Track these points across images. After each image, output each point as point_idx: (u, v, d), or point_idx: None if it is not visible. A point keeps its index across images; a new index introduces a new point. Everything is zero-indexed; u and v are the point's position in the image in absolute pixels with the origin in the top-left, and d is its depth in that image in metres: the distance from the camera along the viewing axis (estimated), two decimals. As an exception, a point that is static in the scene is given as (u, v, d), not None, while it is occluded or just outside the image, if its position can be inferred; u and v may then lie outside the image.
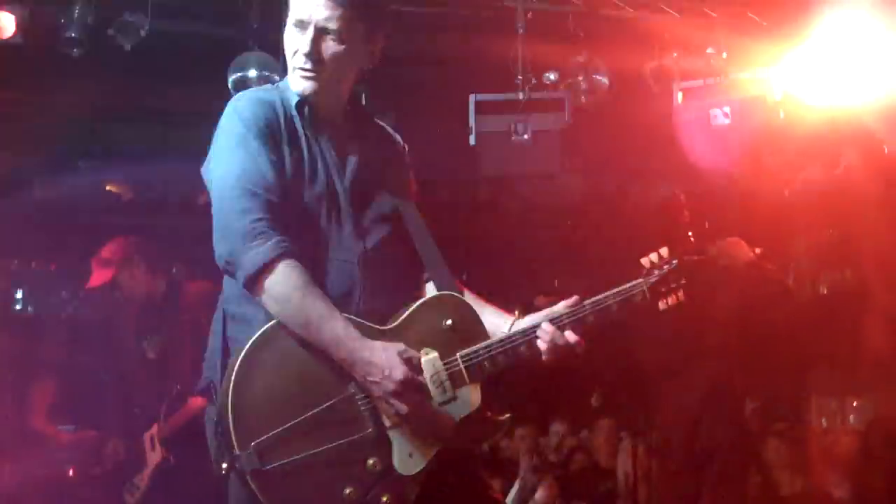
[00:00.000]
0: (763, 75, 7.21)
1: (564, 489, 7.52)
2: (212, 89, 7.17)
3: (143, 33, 6.64)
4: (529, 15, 6.92)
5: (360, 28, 2.78)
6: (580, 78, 7.25)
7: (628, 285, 2.84)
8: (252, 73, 6.99)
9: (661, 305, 2.80)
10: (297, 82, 2.78)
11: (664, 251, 2.84)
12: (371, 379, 2.53)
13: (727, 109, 7.29)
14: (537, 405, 9.26)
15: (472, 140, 7.40)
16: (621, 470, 7.39)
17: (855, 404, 10.13)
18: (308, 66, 2.75)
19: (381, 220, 2.85)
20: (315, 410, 2.53)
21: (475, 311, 2.78)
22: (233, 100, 2.84)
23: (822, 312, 10.13)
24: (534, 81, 7.15)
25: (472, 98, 7.32)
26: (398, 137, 3.07)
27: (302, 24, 2.74)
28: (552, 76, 7.27)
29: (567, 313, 2.78)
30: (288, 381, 2.56)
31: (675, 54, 7.24)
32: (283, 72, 6.82)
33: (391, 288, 2.78)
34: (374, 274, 2.76)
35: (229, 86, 7.06)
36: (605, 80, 7.32)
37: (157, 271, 5.47)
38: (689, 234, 5.04)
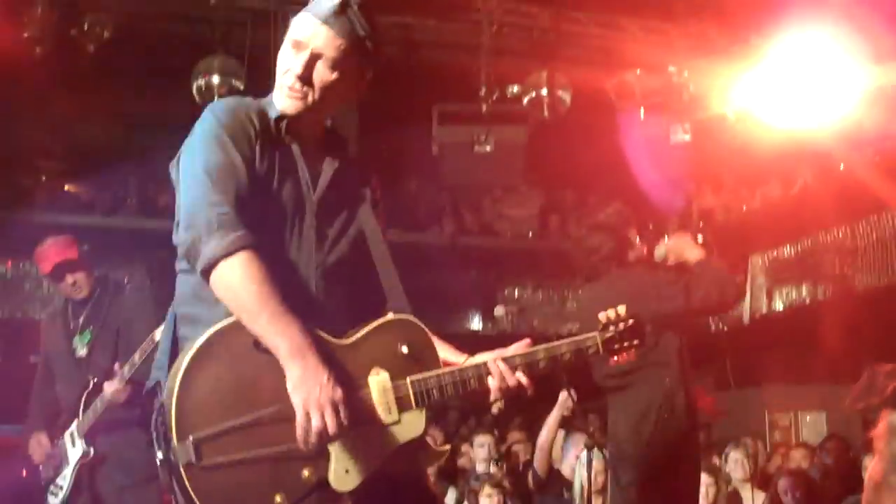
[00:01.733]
0: (723, 94, 7.30)
1: (519, 500, 7.54)
2: (175, 92, 7.18)
3: (106, 35, 6.62)
4: (494, 29, 6.97)
5: (353, 61, 2.79)
6: (543, 92, 7.31)
7: (582, 337, 2.88)
8: (216, 77, 6.99)
9: (612, 361, 2.87)
10: (283, 100, 2.80)
11: (621, 309, 2.89)
12: (309, 383, 2.49)
13: (687, 126, 7.38)
14: (496, 414, 9.32)
15: (434, 150, 7.43)
16: (577, 481, 7.41)
17: (808, 419, 10.28)
18: (297, 86, 2.76)
19: (345, 239, 2.86)
20: (258, 414, 2.51)
21: (431, 341, 2.77)
22: (211, 104, 2.84)
23: (776, 328, 10.27)
24: (497, 94, 7.19)
25: (435, 109, 7.36)
26: (373, 175, 3.08)
27: (299, 45, 2.76)
28: (515, 89, 7.33)
29: (520, 355, 2.79)
30: (236, 380, 2.53)
31: (637, 72, 7.32)
32: (248, 78, 6.82)
33: (345, 307, 2.78)
34: (329, 290, 2.77)
35: (193, 90, 7.06)
36: (568, 96, 7.39)
37: (92, 271, 5.47)
38: (636, 238, 5.07)
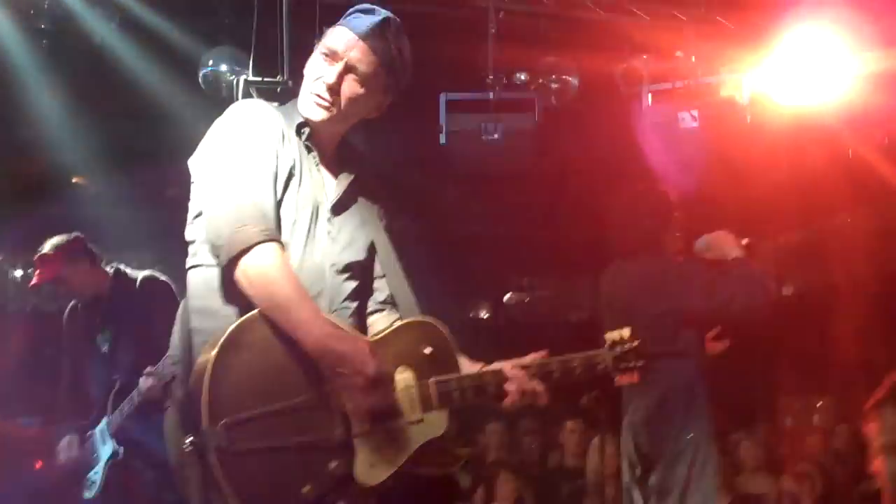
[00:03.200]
0: (731, 79, 7.27)
1: (531, 486, 7.56)
2: (182, 83, 7.18)
3: (112, 26, 6.62)
4: (501, 15, 6.95)
5: (381, 80, 2.88)
6: (551, 79, 7.29)
7: (593, 352, 2.99)
8: (223, 67, 6.98)
9: (617, 381, 2.98)
10: (309, 108, 2.86)
11: (626, 332, 3.01)
12: (340, 370, 2.55)
13: (695, 112, 7.35)
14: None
15: (442, 139, 7.42)
16: (590, 469, 7.43)
17: (819, 404, 10.26)
18: (326, 95, 2.83)
19: (356, 245, 2.94)
20: (288, 403, 2.54)
21: (451, 345, 2.86)
22: (236, 103, 2.93)
23: (787, 313, 10.25)
24: (504, 82, 7.17)
25: (442, 97, 7.34)
26: (389, 189, 3.16)
27: (334, 56, 2.83)
28: (523, 77, 7.31)
29: (536, 365, 2.89)
30: (267, 368, 2.57)
31: (645, 57, 7.29)
32: (255, 68, 6.84)
33: (355, 312, 2.88)
34: (340, 291, 2.85)
35: (200, 81, 7.06)
36: (575, 82, 7.36)
37: (99, 266, 5.47)
38: (677, 234, 5.06)
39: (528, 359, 2.92)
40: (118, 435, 5.21)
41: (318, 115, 2.86)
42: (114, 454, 5.22)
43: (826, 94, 6.98)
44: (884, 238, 9.59)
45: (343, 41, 2.84)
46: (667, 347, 4.64)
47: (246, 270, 2.60)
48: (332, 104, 2.84)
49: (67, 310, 5.69)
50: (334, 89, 2.83)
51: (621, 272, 5.09)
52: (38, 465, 5.58)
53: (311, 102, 2.86)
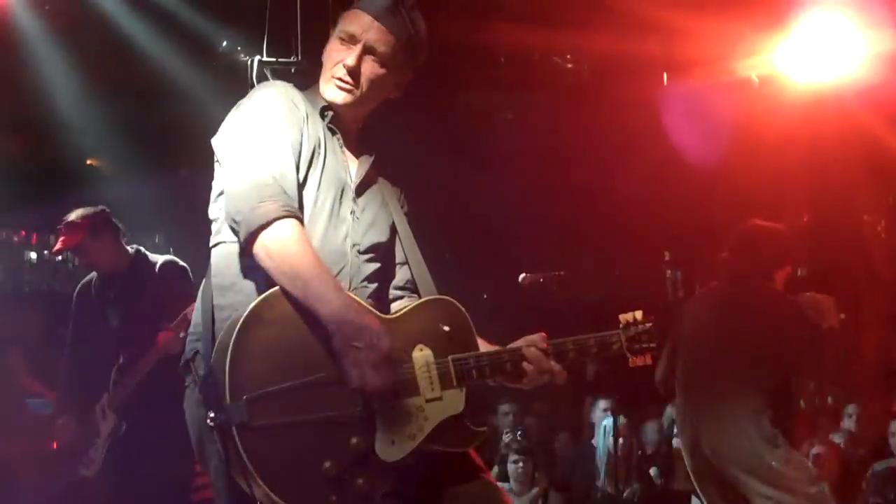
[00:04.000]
0: (748, 58, 7.24)
1: (545, 467, 7.58)
2: (197, 63, 7.18)
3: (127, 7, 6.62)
4: (515, -6, 6.93)
5: (400, 58, 2.92)
6: (565, 59, 7.27)
7: (608, 333, 3.04)
8: (238, 49, 6.97)
9: (631, 361, 3.03)
10: (332, 91, 2.90)
11: (639, 314, 3.06)
12: (355, 343, 2.55)
13: (713, 92, 7.32)
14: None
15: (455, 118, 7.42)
16: (601, 447, 7.45)
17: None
18: (348, 79, 2.87)
19: (378, 225, 2.98)
20: (310, 378, 2.56)
21: (470, 324, 2.89)
22: (261, 85, 2.99)
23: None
24: (519, 62, 7.16)
25: (455, 77, 7.33)
26: (408, 170, 3.19)
27: (352, 39, 2.87)
28: (537, 56, 7.30)
29: (553, 344, 2.93)
30: (289, 344, 2.59)
31: (661, 36, 7.26)
32: (268, 48, 6.83)
33: (374, 287, 2.90)
34: (362, 270, 2.88)
35: (215, 62, 7.05)
36: (591, 62, 7.34)
37: (121, 242, 5.47)
38: (788, 271, 5.15)
39: (538, 338, 2.94)
40: (120, 410, 5.20)
41: (341, 97, 2.89)
42: (114, 430, 5.21)
43: (842, 72, 6.95)
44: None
45: (359, 24, 2.87)
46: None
47: (266, 245, 2.62)
48: (355, 87, 2.88)
49: (80, 285, 5.67)
50: (355, 72, 2.86)
51: (732, 299, 5.14)
52: (55, 446, 5.58)
53: (333, 86, 2.89)
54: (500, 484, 6.73)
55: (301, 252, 2.61)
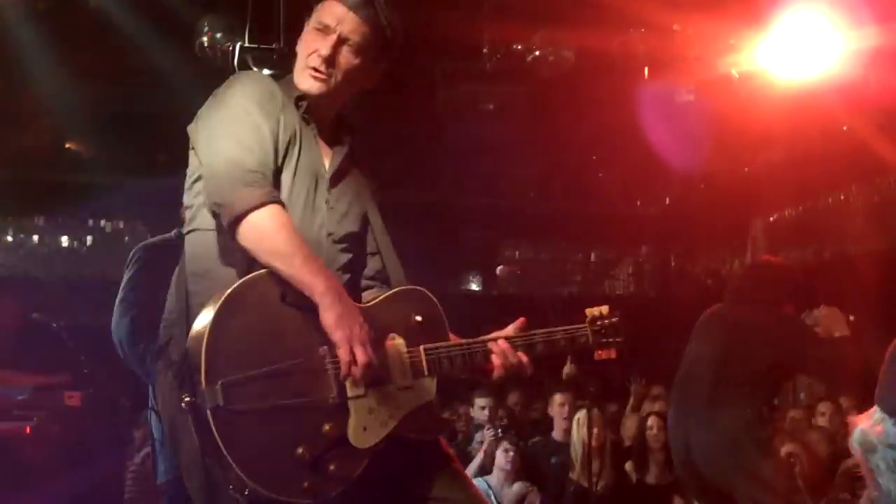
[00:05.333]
0: (728, 54, 7.26)
1: (519, 460, 7.59)
2: (176, 50, 7.16)
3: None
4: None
5: (374, 49, 2.94)
6: (547, 51, 7.26)
7: (575, 327, 3.10)
8: (218, 34, 6.96)
9: (597, 355, 3.09)
10: (306, 81, 2.92)
11: (605, 308, 3.12)
12: (345, 321, 2.59)
13: (692, 87, 7.34)
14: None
15: (437, 109, 7.42)
16: (576, 442, 7.46)
17: (806, 382, 10.30)
18: (322, 68, 2.89)
19: (352, 215, 3.00)
20: (285, 364, 2.58)
21: (442, 315, 2.93)
22: (237, 74, 2.99)
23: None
24: (500, 54, 7.15)
25: (437, 68, 7.33)
26: (382, 161, 3.23)
27: (326, 30, 2.90)
28: (518, 48, 7.29)
29: (521, 336, 3.00)
30: (264, 329, 2.61)
31: (642, 30, 7.27)
32: (249, 35, 6.80)
33: (348, 276, 2.92)
34: (336, 258, 2.90)
35: (195, 47, 7.03)
36: (571, 54, 7.34)
37: None
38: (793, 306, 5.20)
39: (511, 329, 3.00)
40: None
41: (315, 87, 2.90)
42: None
43: (822, 68, 6.98)
44: (879, 214, 9.61)
45: (334, 14, 2.90)
46: None
47: (254, 226, 2.64)
48: (329, 76, 2.90)
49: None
50: (329, 62, 2.88)
51: (740, 319, 5.18)
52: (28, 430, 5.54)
53: (308, 76, 2.91)
54: (481, 478, 6.80)
55: (290, 234, 2.65)
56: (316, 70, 2.88)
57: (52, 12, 6.59)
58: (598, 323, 3.10)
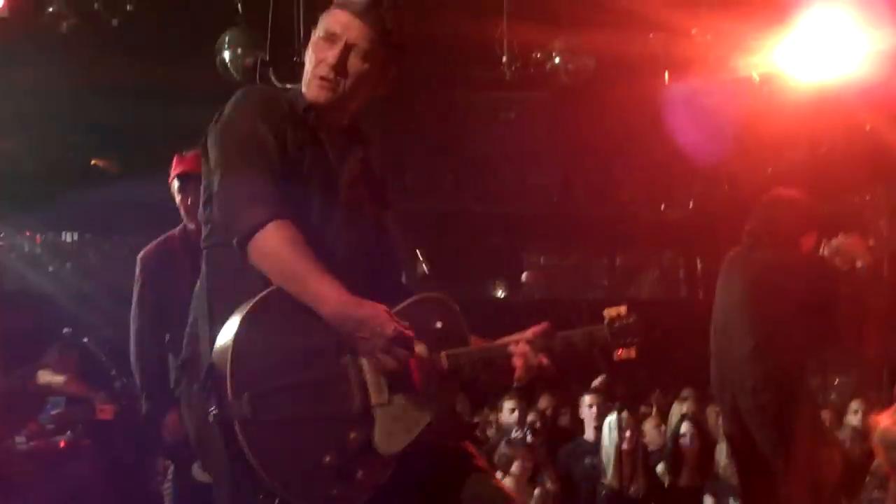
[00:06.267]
0: (749, 56, 7.25)
1: (548, 463, 7.58)
2: (199, 65, 7.21)
3: (129, 8, 6.65)
4: (517, -6, 6.93)
5: (381, 54, 2.92)
6: (567, 58, 7.27)
7: (592, 328, 3.06)
8: (239, 50, 7.01)
9: (616, 355, 3.08)
10: (315, 91, 2.90)
11: (623, 308, 3.09)
12: (360, 335, 2.61)
13: (713, 90, 7.33)
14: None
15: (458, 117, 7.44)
16: (607, 446, 7.44)
17: (836, 381, 10.26)
18: (331, 76, 2.87)
19: (368, 224, 2.99)
20: (309, 374, 2.61)
21: (462, 321, 2.94)
22: (244, 88, 2.96)
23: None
24: (520, 61, 7.16)
25: (457, 76, 7.35)
26: (399, 170, 3.25)
27: (333, 38, 2.88)
28: (538, 56, 7.30)
29: (540, 339, 2.97)
30: (289, 340, 2.63)
31: (661, 34, 7.27)
32: (270, 50, 6.84)
33: (367, 284, 2.86)
34: (354, 271, 2.86)
35: (216, 63, 7.08)
36: (592, 61, 7.34)
37: None
38: (812, 237, 5.20)
39: (530, 332, 2.98)
40: None
41: (324, 96, 2.89)
42: None
43: (843, 70, 6.95)
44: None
45: (340, 22, 2.88)
46: None
47: (260, 247, 2.65)
48: (337, 84, 2.88)
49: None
50: (338, 69, 2.86)
51: (761, 260, 5.19)
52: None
53: (316, 86, 2.89)
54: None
55: (296, 253, 2.64)
56: (324, 79, 2.87)
57: (74, 31, 6.65)
58: (617, 323, 3.06)
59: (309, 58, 2.94)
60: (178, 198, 4.76)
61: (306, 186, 2.84)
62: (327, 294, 2.62)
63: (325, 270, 2.67)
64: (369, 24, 2.88)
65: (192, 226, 4.66)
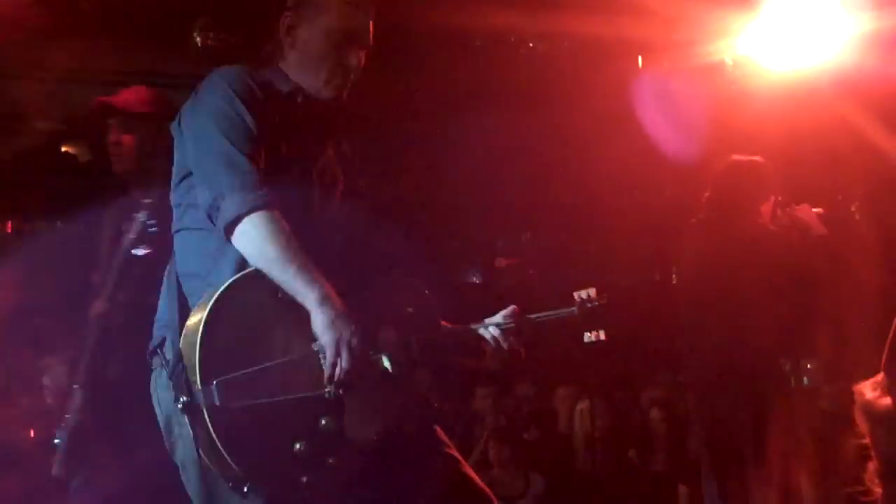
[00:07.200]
0: (721, 41, 7.25)
1: (524, 451, 7.61)
2: (171, 48, 7.16)
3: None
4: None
5: None
6: (539, 41, 7.26)
7: (565, 310, 3.12)
8: (212, 34, 6.96)
9: (586, 338, 3.08)
10: (332, 91, 2.94)
11: (592, 291, 3.12)
12: (336, 327, 2.63)
13: (686, 75, 7.33)
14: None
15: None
16: (578, 433, 7.49)
17: (809, 366, 10.29)
18: (350, 78, 2.94)
19: (345, 209, 3.02)
20: (280, 360, 2.61)
21: (433, 305, 2.99)
22: (219, 70, 2.94)
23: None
24: (493, 45, 7.14)
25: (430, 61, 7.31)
26: (377, 154, 3.26)
27: (358, 40, 2.93)
28: (512, 40, 7.28)
29: (509, 322, 3.05)
30: (258, 326, 2.64)
31: (635, 20, 7.25)
32: (245, 34, 6.78)
33: (343, 266, 2.90)
34: (330, 250, 2.89)
35: (189, 46, 7.04)
36: (564, 44, 7.33)
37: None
38: (771, 204, 5.14)
39: (499, 316, 3.05)
40: None
41: (343, 94, 2.95)
42: None
43: (816, 56, 6.97)
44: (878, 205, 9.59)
45: (362, 24, 2.94)
46: None
47: (248, 232, 2.66)
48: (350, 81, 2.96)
49: None
50: (357, 72, 2.94)
51: (721, 231, 5.17)
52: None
53: (334, 86, 2.93)
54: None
55: (284, 240, 2.66)
56: (346, 81, 2.92)
57: (44, 13, 6.59)
58: (587, 305, 3.10)
59: (324, 53, 2.92)
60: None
61: (282, 168, 2.83)
62: (314, 283, 2.64)
63: (310, 261, 2.68)
64: (373, 20, 2.96)
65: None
